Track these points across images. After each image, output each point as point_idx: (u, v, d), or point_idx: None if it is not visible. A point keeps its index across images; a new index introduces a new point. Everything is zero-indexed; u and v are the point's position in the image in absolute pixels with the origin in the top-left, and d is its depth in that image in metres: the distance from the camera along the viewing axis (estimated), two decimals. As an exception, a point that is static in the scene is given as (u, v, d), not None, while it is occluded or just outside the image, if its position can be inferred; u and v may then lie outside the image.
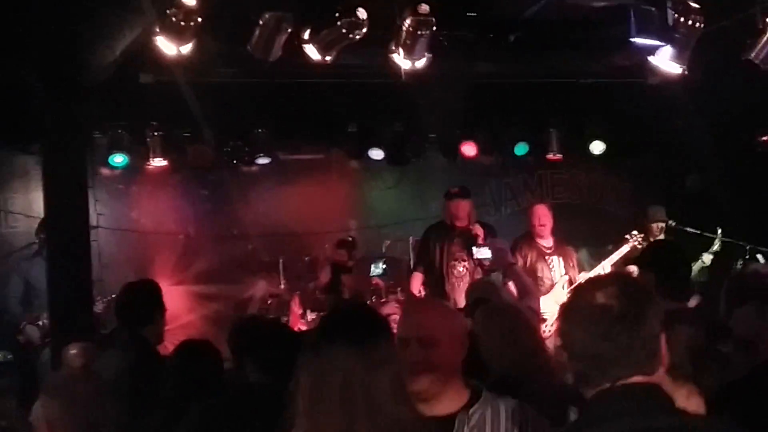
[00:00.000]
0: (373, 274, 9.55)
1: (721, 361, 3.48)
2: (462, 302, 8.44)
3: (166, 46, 7.44)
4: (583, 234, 11.36)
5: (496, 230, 9.43)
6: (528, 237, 9.48)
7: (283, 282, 10.78)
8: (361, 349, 2.58)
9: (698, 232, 10.29)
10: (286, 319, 10.10)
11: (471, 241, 9.03)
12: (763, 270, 5.75)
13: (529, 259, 9.30)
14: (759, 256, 9.77)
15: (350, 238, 10.68)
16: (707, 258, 10.22)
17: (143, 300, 6.22)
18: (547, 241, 9.41)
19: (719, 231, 10.33)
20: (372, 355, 2.57)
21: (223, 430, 4.25)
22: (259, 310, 10.78)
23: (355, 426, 2.51)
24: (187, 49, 7.48)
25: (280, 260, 10.77)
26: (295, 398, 2.61)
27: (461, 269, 9.14)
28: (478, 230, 9.09)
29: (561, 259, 9.35)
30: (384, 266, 9.53)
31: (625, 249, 9.54)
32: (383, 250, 10.78)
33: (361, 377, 2.53)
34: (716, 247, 10.30)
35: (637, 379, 2.47)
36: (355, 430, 2.51)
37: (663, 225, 10.18)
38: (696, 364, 3.18)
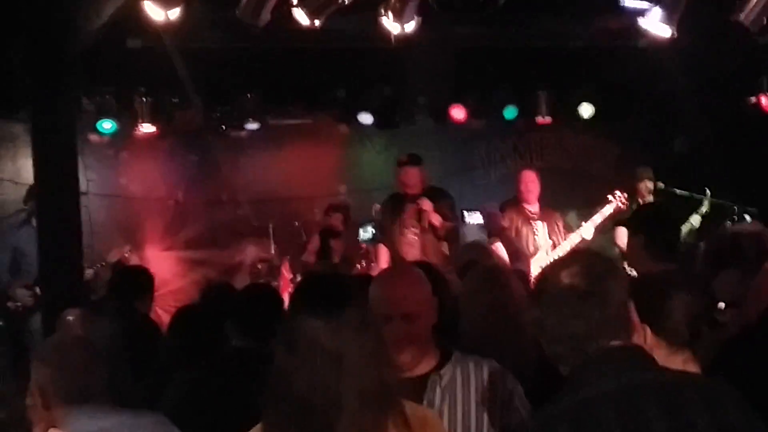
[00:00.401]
0: (362, 238, 9.57)
1: (717, 329, 3.50)
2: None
3: (154, 10, 7.37)
4: (572, 197, 11.40)
5: (450, 194, 9.42)
6: (514, 202, 9.49)
7: (273, 247, 10.82)
8: (333, 322, 2.54)
9: (687, 193, 10.35)
10: (276, 283, 10.14)
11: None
12: (745, 231, 5.74)
13: (514, 224, 9.32)
14: (747, 216, 9.83)
15: (344, 203, 10.73)
16: (696, 219, 10.28)
17: (134, 281, 6.49)
18: (533, 207, 9.42)
19: (707, 192, 10.39)
20: (346, 326, 2.54)
21: (210, 396, 4.28)
22: (250, 275, 10.85)
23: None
24: (175, 14, 7.41)
25: (270, 225, 10.81)
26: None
27: (412, 237, 9.14)
28: (425, 204, 9.06)
29: (545, 224, 9.36)
30: (373, 231, 9.53)
31: (608, 209, 9.55)
32: (373, 214, 10.77)
33: (335, 355, 2.50)
34: (705, 208, 10.36)
35: (615, 343, 2.52)
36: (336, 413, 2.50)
37: (651, 187, 10.21)
38: (693, 332, 3.20)
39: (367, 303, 2.69)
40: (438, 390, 3.37)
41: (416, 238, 9.11)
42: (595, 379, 2.47)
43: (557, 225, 9.44)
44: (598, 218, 9.49)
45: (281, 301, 4.88)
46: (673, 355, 3.16)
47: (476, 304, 4.44)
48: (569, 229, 9.64)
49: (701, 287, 3.50)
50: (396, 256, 9.08)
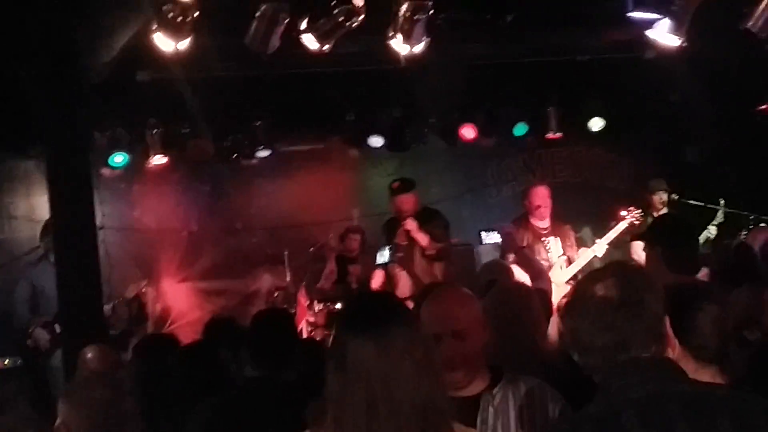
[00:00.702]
0: (380, 262, 9.54)
1: (747, 346, 3.47)
2: (402, 293, 8.84)
3: (164, 42, 7.39)
4: (586, 211, 11.37)
5: (442, 215, 9.50)
6: (524, 219, 9.44)
7: (288, 274, 10.79)
8: (382, 344, 2.55)
9: (701, 204, 10.30)
10: (293, 311, 10.11)
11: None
12: (754, 242, 5.73)
13: (525, 241, 9.29)
14: (763, 225, 9.78)
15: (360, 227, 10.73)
16: (712, 230, 10.24)
17: None
18: (543, 222, 9.35)
19: (722, 202, 10.34)
20: (393, 346, 2.55)
21: (233, 427, 4.23)
22: (266, 303, 10.80)
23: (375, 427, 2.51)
24: (184, 45, 7.44)
25: (285, 252, 10.78)
26: (326, 398, 2.61)
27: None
28: (409, 225, 9.17)
29: (558, 239, 9.31)
30: (390, 253, 9.50)
31: (622, 226, 9.50)
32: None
33: (384, 377, 2.51)
34: (719, 218, 10.32)
35: (646, 355, 2.52)
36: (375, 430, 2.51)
37: (666, 199, 10.17)
38: (722, 348, 3.17)
39: (415, 322, 2.67)
40: (491, 409, 3.41)
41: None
42: (623, 387, 2.47)
43: (570, 239, 9.39)
44: (611, 234, 9.44)
45: (294, 327, 4.84)
46: (702, 370, 3.14)
47: (496, 320, 4.42)
48: (582, 243, 9.60)
49: (728, 302, 3.48)
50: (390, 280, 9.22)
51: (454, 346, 3.35)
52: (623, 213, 9.55)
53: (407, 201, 9.26)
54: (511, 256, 9.09)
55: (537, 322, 4.61)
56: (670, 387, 2.46)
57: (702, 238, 9.95)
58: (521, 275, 8.86)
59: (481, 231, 8.90)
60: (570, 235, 9.44)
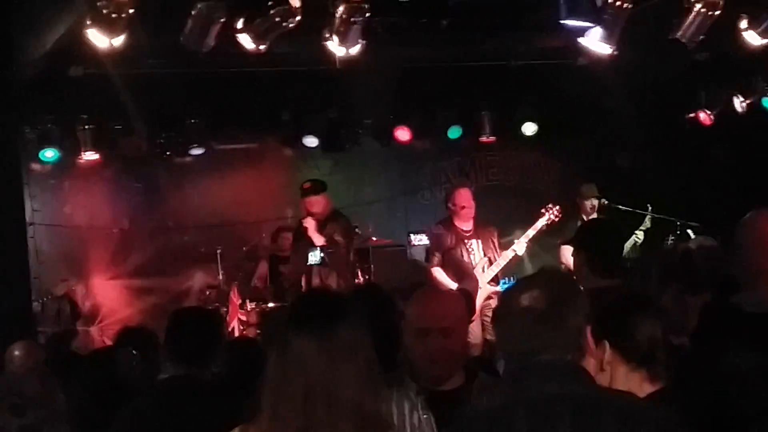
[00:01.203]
0: (311, 262, 9.56)
1: (673, 351, 3.57)
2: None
3: (98, 38, 7.32)
4: (517, 214, 11.47)
5: (347, 218, 9.79)
6: (448, 221, 9.50)
7: (221, 273, 10.73)
8: (326, 342, 2.60)
9: (630, 209, 10.47)
10: (225, 309, 10.08)
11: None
12: (696, 247, 5.85)
13: (449, 243, 9.36)
14: (689, 231, 9.99)
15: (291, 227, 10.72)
16: (640, 235, 10.41)
17: None
18: (466, 224, 9.40)
19: (649, 208, 10.53)
20: (337, 345, 2.60)
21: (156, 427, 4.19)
22: (198, 301, 10.74)
23: (314, 426, 2.56)
24: (119, 41, 7.37)
25: (218, 251, 10.71)
26: (261, 394, 2.63)
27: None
28: (308, 223, 9.48)
29: (480, 241, 9.38)
30: (321, 254, 9.53)
31: (541, 222, 9.63)
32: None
33: (324, 373, 2.57)
34: (647, 224, 10.50)
35: (551, 357, 2.58)
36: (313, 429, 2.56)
37: (596, 203, 10.31)
38: (651, 353, 3.28)
39: (362, 326, 2.72)
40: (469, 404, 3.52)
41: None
42: (522, 388, 2.57)
43: (492, 241, 9.46)
44: (530, 232, 9.57)
45: (216, 324, 4.77)
46: (632, 373, 3.24)
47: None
48: (505, 246, 9.67)
49: (660, 308, 3.57)
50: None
51: (439, 342, 3.53)
52: (542, 210, 9.70)
53: (316, 203, 9.49)
54: (437, 258, 9.19)
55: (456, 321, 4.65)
56: (566, 389, 2.53)
57: (629, 243, 10.12)
58: (446, 277, 8.97)
59: (410, 233, 8.95)
60: (493, 237, 9.52)
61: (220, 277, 10.72)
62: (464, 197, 9.47)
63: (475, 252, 9.32)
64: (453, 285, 8.11)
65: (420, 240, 8.92)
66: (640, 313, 3.33)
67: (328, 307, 2.73)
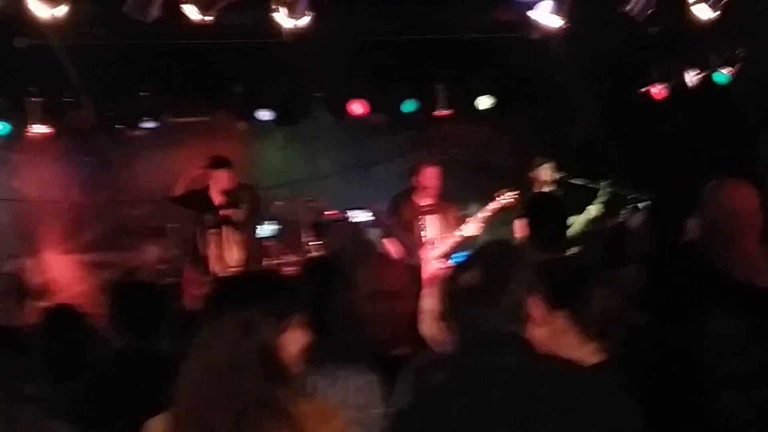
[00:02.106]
0: (260, 235, 9.52)
1: (626, 327, 3.59)
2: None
3: (39, 8, 7.23)
4: (473, 189, 11.48)
5: (247, 192, 9.68)
6: (406, 195, 9.49)
7: (173, 247, 10.67)
8: (234, 323, 2.68)
9: (583, 183, 10.48)
10: (178, 283, 10.01)
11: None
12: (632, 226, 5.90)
13: (405, 217, 9.35)
14: (639, 206, 10.02)
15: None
16: (593, 209, 10.41)
17: None
18: (425, 200, 9.42)
19: (603, 183, 10.53)
20: (247, 328, 2.67)
21: (101, 400, 4.18)
22: (151, 276, 10.67)
23: (213, 411, 2.63)
24: (61, 11, 7.28)
25: (169, 225, 10.64)
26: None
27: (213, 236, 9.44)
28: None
29: (437, 217, 9.38)
30: (274, 227, 9.48)
31: (492, 206, 9.61)
32: (273, 211, 10.73)
33: (220, 355, 2.65)
34: (601, 198, 10.51)
35: (494, 329, 2.64)
36: (213, 414, 2.63)
37: (550, 177, 10.31)
38: (604, 326, 3.30)
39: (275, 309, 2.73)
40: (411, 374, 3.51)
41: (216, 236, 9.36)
42: (459, 356, 2.67)
43: (451, 217, 9.45)
44: (481, 216, 9.55)
45: (160, 295, 4.79)
46: (585, 344, 3.26)
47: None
48: (461, 222, 9.66)
49: (621, 287, 3.60)
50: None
51: (388, 305, 3.63)
52: (496, 195, 9.70)
53: (222, 177, 9.43)
54: (382, 231, 9.20)
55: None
56: (504, 360, 2.58)
57: (582, 217, 10.13)
58: (394, 250, 8.98)
59: (346, 210, 8.95)
60: (451, 213, 9.51)
61: (173, 251, 10.66)
62: (430, 176, 9.43)
63: (428, 227, 9.30)
64: (400, 258, 8.13)
65: (361, 215, 8.92)
66: (595, 287, 3.36)
67: (233, 291, 2.83)
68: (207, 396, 2.61)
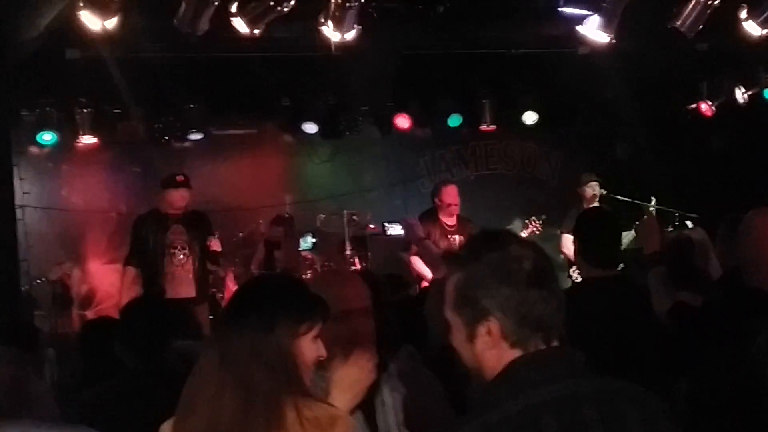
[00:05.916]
0: (302, 248, 9.53)
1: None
2: (188, 292, 8.79)
3: (90, 20, 7.30)
4: (517, 203, 11.47)
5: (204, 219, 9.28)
6: (432, 214, 9.50)
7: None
8: (256, 321, 2.73)
9: (629, 200, 10.39)
10: (221, 295, 10.06)
11: (195, 229, 9.01)
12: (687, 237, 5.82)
13: (432, 237, 9.32)
14: (688, 223, 9.92)
15: (287, 215, 10.67)
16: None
17: None
18: (450, 220, 9.44)
19: (653, 200, 10.42)
20: (268, 326, 2.72)
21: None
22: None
23: (222, 396, 2.68)
24: (112, 23, 7.34)
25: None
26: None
27: (182, 257, 8.97)
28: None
29: (462, 237, 9.37)
30: (313, 240, 9.51)
31: (522, 234, 9.58)
32: (318, 225, 10.76)
33: (247, 347, 2.70)
34: (647, 215, 10.39)
35: (555, 344, 2.44)
36: (221, 399, 2.68)
37: (597, 193, 10.25)
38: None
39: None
40: (386, 390, 3.43)
41: (186, 258, 8.95)
42: (538, 384, 2.36)
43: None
44: None
45: (168, 313, 4.66)
46: None
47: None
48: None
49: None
50: (153, 276, 8.91)
51: (365, 323, 3.44)
52: (527, 221, 9.67)
53: (180, 197, 8.99)
54: (414, 248, 9.16)
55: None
56: (581, 385, 2.38)
57: (629, 234, 10.03)
58: (423, 267, 8.95)
59: (383, 223, 8.92)
60: (473, 232, 9.48)
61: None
62: (451, 194, 9.47)
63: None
64: (429, 274, 8.15)
65: (393, 229, 8.91)
66: None
67: (259, 291, 2.89)
68: (220, 381, 2.67)
